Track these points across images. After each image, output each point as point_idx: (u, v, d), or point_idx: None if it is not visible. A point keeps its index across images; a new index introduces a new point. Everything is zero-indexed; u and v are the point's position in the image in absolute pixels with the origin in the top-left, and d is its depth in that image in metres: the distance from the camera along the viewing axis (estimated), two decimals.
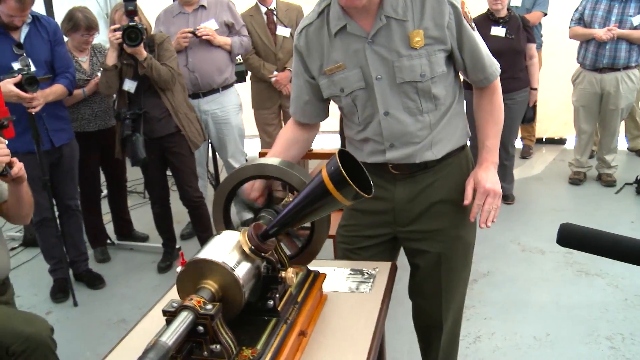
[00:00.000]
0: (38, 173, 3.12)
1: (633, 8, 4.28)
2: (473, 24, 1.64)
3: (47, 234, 3.39)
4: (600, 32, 4.27)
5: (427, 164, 1.70)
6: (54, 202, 3.42)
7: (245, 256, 1.24)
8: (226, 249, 1.24)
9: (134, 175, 4.79)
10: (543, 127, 5.88)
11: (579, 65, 4.60)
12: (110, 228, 4.26)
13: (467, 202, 1.68)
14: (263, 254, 1.27)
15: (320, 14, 1.66)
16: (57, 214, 3.45)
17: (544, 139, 6.03)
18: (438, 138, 1.68)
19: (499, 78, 1.73)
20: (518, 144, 5.38)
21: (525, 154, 5.65)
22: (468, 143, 1.82)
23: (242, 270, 1.20)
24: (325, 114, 1.84)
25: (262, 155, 2.63)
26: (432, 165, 1.71)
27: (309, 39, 1.68)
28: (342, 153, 1.14)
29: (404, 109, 1.63)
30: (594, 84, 4.47)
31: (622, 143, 5.42)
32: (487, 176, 1.67)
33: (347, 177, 1.09)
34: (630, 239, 0.97)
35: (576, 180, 4.82)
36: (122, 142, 3.44)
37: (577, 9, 4.52)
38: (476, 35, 1.63)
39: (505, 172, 4.43)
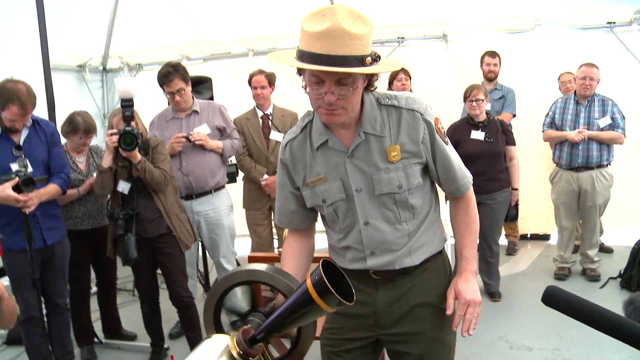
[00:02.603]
0: (29, 271, 3.15)
1: (597, 112, 4.61)
2: (446, 139, 1.78)
3: (34, 332, 3.35)
4: (572, 134, 4.56)
5: (406, 270, 1.78)
6: (42, 300, 3.41)
7: None
8: (215, 353, 1.29)
9: (124, 273, 4.80)
10: (527, 224, 6.00)
11: (555, 165, 4.83)
12: (98, 325, 4.21)
13: (449, 312, 1.76)
14: (251, 358, 1.32)
15: (304, 129, 1.79)
16: (44, 311, 3.43)
17: (528, 235, 6.15)
18: (416, 245, 1.77)
19: (471, 190, 1.86)
20: (503, 241, 5.51)
21: (511, 250, 5.75)
22: (447, 246, 1.92)
23: None
24: (313, 219, 1.93)
25: (251, 259, 2.70)
26: (411, 271, 1.79)
27: (293, 152, 1.80)
28: (326, 263, 1.23)
29: (383, 218, 1.73)
30: (571, 182, 4.67)
31: (604, 238, 5.57)
32: (467, 287, 1.76)
33: (330, 287, 1.17)
34: (609, 312, 1.08)
35: (561, 275, 4.90)
36: (114, 242, 3.51)
37: (548, 114, 4.83)
38: (449, 149, 1.77)
39: (490, 269, 4.51)
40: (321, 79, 1.55)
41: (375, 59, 1.57)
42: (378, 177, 1.70)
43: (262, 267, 1.56)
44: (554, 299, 1.16)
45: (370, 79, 1.67)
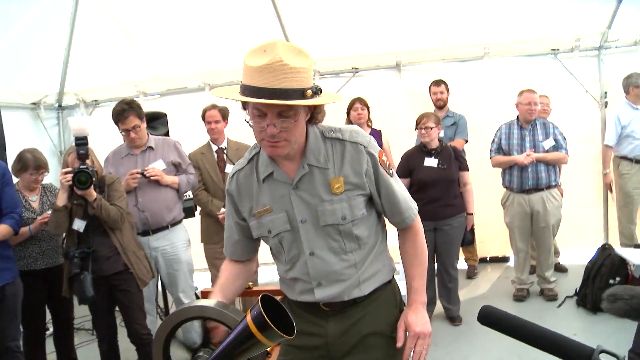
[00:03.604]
0: None
1: (540, 135, 4.79)
2: (391, 171, 1.82)
3: None
4: (520, 158, 4.70)
5: (355, 300, 1.81)
6: None
7: None
8: None
9: (82, 312, 4.70)
10: (486, 247, 6.11)
11: (505, 189, 4.96)
12: None
13: (399, 344, 1.79)
14: None
15: (250, 161, 1.84)
16: None
17: (487, 258, 6.25)
18: (365, 276, 1.80)
19: (418, 220, 1.89)
20: (463, 265, 5.59)
21: (471, 274, 5.83)
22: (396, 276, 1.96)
23: None
24: (255, 251, 1.96)
25: (204, 294, 2.70)
26: (360, 301, 1.82)
27: (240, 184, 1.84)
28: (266, 297, 1.25)
29: (329, 249, 1.76)
30: (523, 205, 4.80)
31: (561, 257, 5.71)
32: (417, 318, 1.80)
33: (270, 322, 1.19)
34: (541, 327, 1.14)
35: (520, 296, 4.98)
36: (69, 281, 3.45)
37: (494, 140, 4.97)
38: (393, 182, 1.80)
39: (449, 294, 4.56)
40: (263, 112, 1.59)
41: (316, 92, 1.61)
42: (322, 208, 1.73)
43: (211, 302, 1.58)
44: (488, 318, 1.22)
45: (314, 112, 1.71)
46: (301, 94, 1.56)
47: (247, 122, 1.67)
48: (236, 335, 1.27)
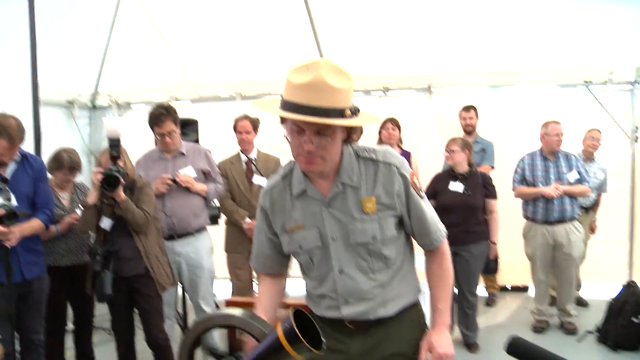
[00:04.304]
0: (4, 305, 3.12)
1: (565, 167, 4.77)
2: (422, 192, 1.83)
3: None
4: (549, 190, 4.66)
5: (380, 320, 1.82)
6: (17, 335, 3.36)
7: None
8: None
9: (102, 311, 4.75)
10: (506, 276, 6.01)
11: (527, 219, 4.93)
12: None
13: None
14: None
15: (284, 177, 1.86)
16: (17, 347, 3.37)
17: (508, 287, 6.19)
18: (390, 296, 1.81)
19: (445, 243, 1.91)
20: (482, 292, 5.54)
21: (490, 301, 5.78)
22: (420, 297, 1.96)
23: None
24: (286, 266, 1.98)
25: (229, 304, 2.72)
26: (385, 321, 1.82)
27: (273, 199, 1.86)
28: (298, 312, 1.27)
29: (357, 267, 1.78)
30: (546, 236, 4.76)
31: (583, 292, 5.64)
32: (440, 340, 1.79)
33: (300, 335, 1.21)
34: None
35: (539, 328, 4.93)
36: (92, 279, 3.50)
37: (516, 171, 4.95)
38: (423, 203, 1.82)
39: (468, 320, 4.51)
40: (302, 128, 1.62)
41: (355, 112, 1.63)
42: (353, 227, 1.75)
43: (237, 312, 1.60)
44: (517, 348, 1.22)
45: (350, 132, 1.73)
46: (340, 113, 1.58)
47: (285, 136, 1.70)
48: (266, 346, 1.29)
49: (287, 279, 2.03)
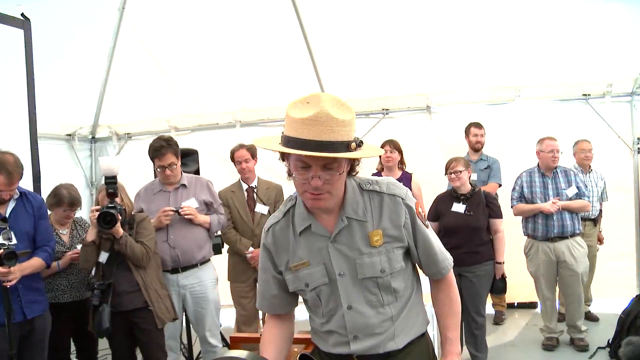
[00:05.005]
0: (5, 346, 3.08)
1: (563, 183, 4.75)
2: (427, 222, 1.82)
3: None
4: (547, 206, 4.63)
5: (390, 354, 1.78)
6: None
7: None
8: None
9: (106, 345, 4.69)
10: (514, 293, 5.94)
11: (527, 237, 4.89)
12: None
13: None
14: None
15: (286, 214, 1.83)
16: None
17: (515, 304, 6.12)
18: (400, 329, 1.78)
19: (451, 271, 1.89)
20: (490, 310, 5.47)
21: (498, 320, 5.72)
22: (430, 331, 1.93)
23: None
24: (293, 305, 1.94)
25: (234, 340, 2.68)
26: (394, 354, 1.79)
27: (276, 237, 1.83)
28: (303, 357, 1.24)
29: (366, 302, 1.75)
30: (548, 253, 4.72)
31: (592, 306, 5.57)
32: None
33: None
34: None
35: (549, 346, 4.86)
36: (92, 314, 3.46)
37: (514, 188, 4.92)
38: (429, 233, 1.80)
39: (477, 341, 4.43)
40: (308, 164, 1.60)
41: (359, 144, 1.62)
42: (361, 261, 1.72)
43: (243, 354, 1.56)
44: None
45: (352, 164, 1.72)
46: (346, 146, 1.57)
47: (287, 173, 1.68)
48: None
49: (293, 321, 1.98)
